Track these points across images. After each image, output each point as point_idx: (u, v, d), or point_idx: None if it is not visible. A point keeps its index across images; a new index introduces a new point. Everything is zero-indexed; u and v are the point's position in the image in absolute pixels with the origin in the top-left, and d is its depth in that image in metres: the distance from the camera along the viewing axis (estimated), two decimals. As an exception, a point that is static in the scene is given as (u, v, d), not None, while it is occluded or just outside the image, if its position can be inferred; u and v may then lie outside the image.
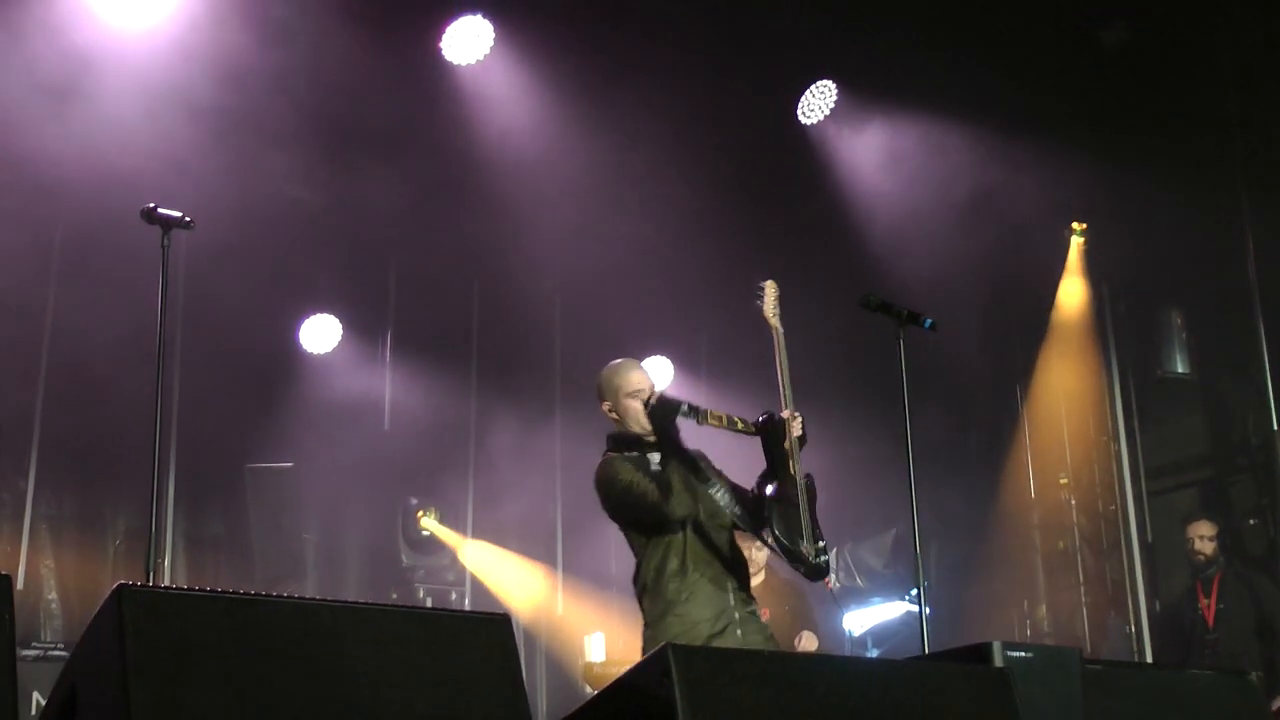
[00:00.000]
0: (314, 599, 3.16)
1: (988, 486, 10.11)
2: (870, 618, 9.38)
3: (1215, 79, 8.75)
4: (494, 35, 8.21)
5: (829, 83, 9.19)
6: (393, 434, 9.86)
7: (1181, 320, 9.25)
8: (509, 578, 9.89)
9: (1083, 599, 9.69)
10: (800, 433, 4.89)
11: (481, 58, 8.29)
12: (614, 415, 5.05)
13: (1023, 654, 3.87)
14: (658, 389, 5.05)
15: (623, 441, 5.02)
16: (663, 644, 4.29)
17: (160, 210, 5.17)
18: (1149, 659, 8.91)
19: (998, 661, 3.78)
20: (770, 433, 4.89)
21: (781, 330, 4.97)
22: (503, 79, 8.35)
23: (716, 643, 4.74)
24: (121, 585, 2.71)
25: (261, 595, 3.05)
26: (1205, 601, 8.16)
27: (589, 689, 8.05)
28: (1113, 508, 9.61)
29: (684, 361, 10.63)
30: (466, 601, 9.79)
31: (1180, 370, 9.25)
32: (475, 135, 8.60)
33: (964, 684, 3.54)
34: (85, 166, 7.59)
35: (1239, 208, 8.71)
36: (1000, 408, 10.30)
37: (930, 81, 8.70)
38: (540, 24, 8.21)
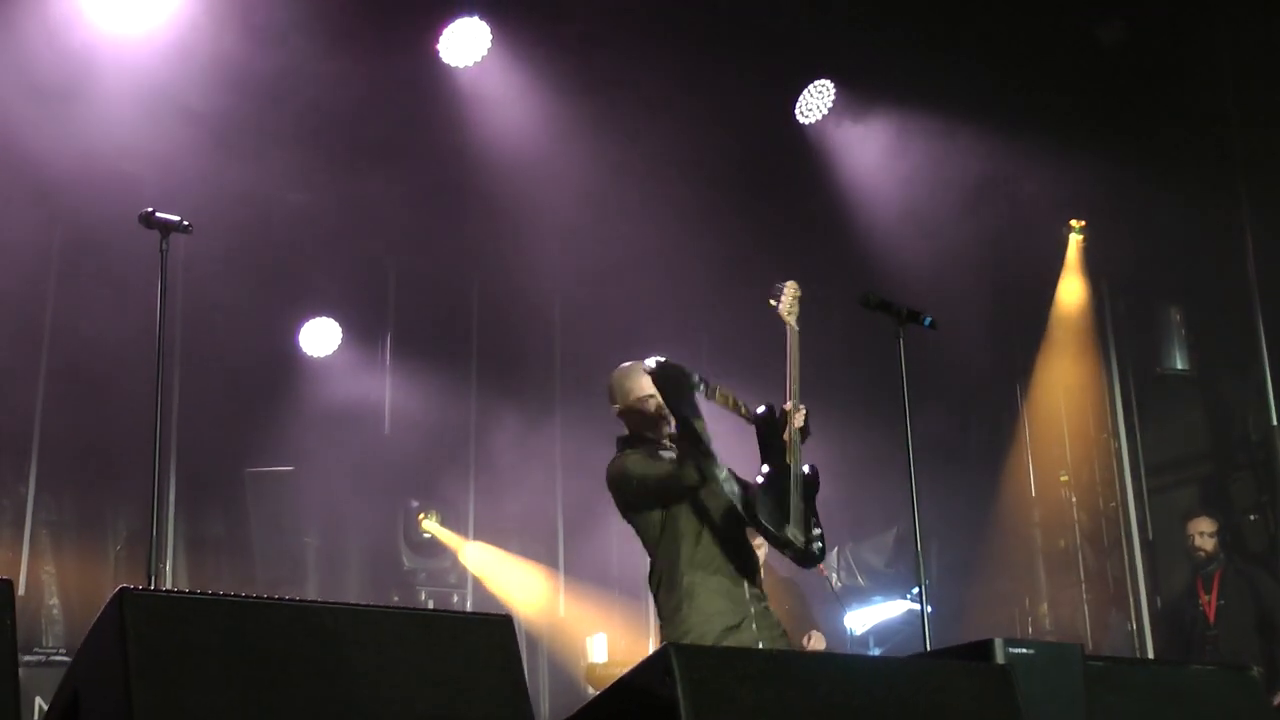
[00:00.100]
0: (315, 601, 3.16)
1: (988, 484, 10.11)
2: (872, 616, 9.39)
3: (1214, 76, 8.75)
4: (491, 37, 8.21)
5: (827, 82, 9.19)
6: (393, 436, 9.86)
7: (1181, 317, 9.26)
8: (511, 579, 9.88)
9: (1084, 596, 9.70)
10: (802, 425, 4.91)
11: (479, 60, 8.29)
12: (625, 419, 5.06)
13: (1024, 651, 3.87)
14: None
15: (634, 444, 5.03)
16: (665, 643, 4.31)
17: (158, 214, 5.17)
18: (1150, 655, 8.92)
19: (1000, 658, 3.78)
20: (768, 424, 4.90)
21: (797, 330, 4.98)
22: (500, 80, 8.35)
23: (733, 636, 4.76)
24: (123, 589, 2.72)
25: (263, 598, 3.06)
26: (1206, 598, 8.16)
27: (591, 690, 8.05)
28: (1113, 505, 9.61)
29: (684, 361, 10.61)
30: (468, 603, 9.79)
31: (1180, 367, 9.26)
32: (473, 137, 8.59)
33: (966, 681, 3.54)
34: (84, 170, 7.59)
35: (1238, 205, 8.71)
36: (1000, 406, 10.31)
37: (929, 80, 8.70)
38: (537, 25, 8.20)
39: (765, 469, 4.83)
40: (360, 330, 9.94)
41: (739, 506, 4.78)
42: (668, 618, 4.86)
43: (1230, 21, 8.51)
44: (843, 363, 9.22)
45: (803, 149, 9.35)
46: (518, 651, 3.21)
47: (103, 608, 2.76)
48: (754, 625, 4.84)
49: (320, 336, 9.75)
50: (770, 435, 4.90)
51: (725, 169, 9.04)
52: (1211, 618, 8.11)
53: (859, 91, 9.16)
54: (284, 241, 8.75)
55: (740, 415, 4.93)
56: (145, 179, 7.60)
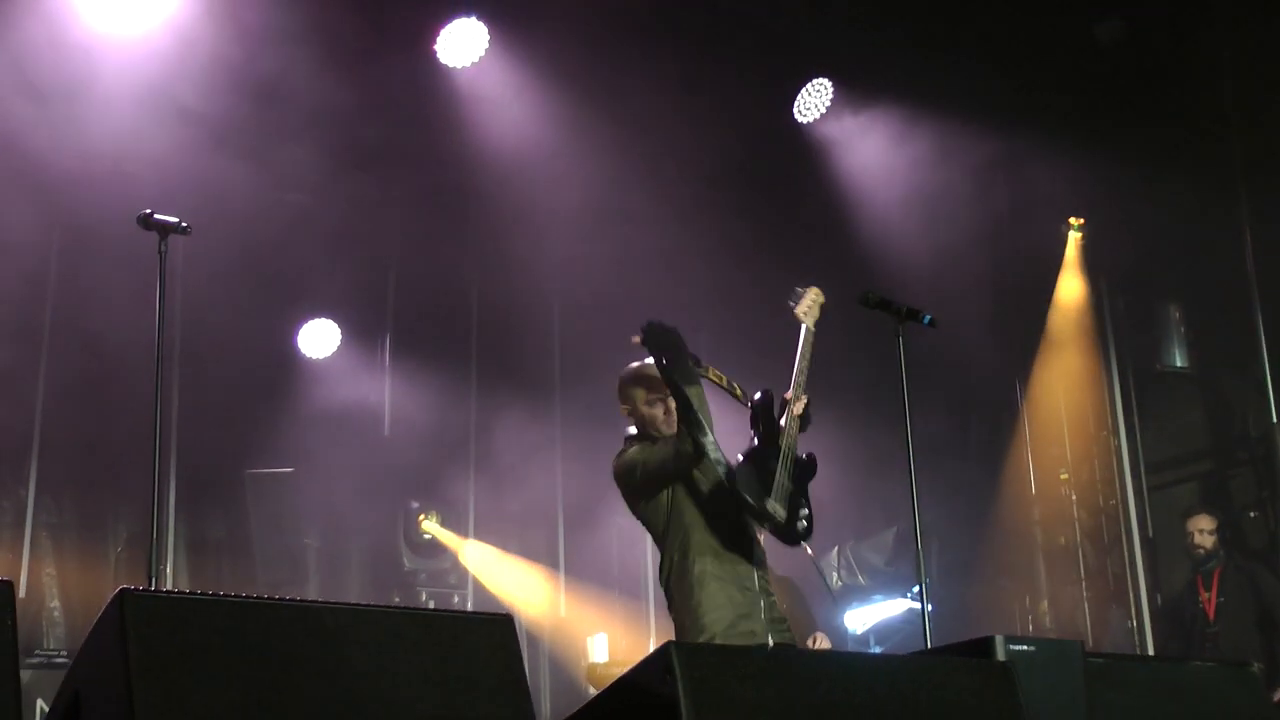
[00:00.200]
0: (316, 601, 3.16)
1: (988, 482, 10.11)
2: (872, 615, 9.39)
3: (1213, 73, 8.76)
4: (488, 38, 8.21)
5: (825, 80, 9.19)
6: (393, 437, 9.86)
7: (1180, 315, 9.26)
8: (511, 580, 9.88)
9: (1084, 594, 9.70)
10: (802, 413, 4.93)
11: (476, 60, 8.29)
12: (633, 419, 5.08)
13: (1025, 648, 3.88)
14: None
15: (640, 441, 5.05)
16: (677, 633, 4.34)
17: (157, 215, 5.16)
18: (1150, 653, 8.92)
19: (1000, 655, 3.79)
20: (764, 407, 4.93)
21: (813, 330, 5.01)
22: (498, 80, 8.35)
23: (745, 624, 4.78)
24: (124, 590, 2.72)
25: (263, 598, 3.06)
26: (1206, 595, 8.16)
27: (592, 690, 8.05)
28: (1113, 502, 9.62)
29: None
30: (469, 604, 9.78)
31: (1179, 365, 9.26)
32: (472, 137, 8.59)
33: (967, 678, 3.54)
34: (84, 171, 7.59)
35: (1237, 202, 8.72)
36: (1000, 404, 10.31)
37: (927, 79, 8.70)
38: (534, 26, 8.21)
39: (753, 444, 4.86)
40: (360, 331, 9.94)
41: (722, 475, 4.81)
42: (681, 606, 4.86)
43: (1230, 21, 8.52)
44: (842, 361, 9.20)
45: (802, 148, 9.36)
46: (519, 650, 3.22)
47: (103, 609, 2.77)
48: (763, 615, 4.86)
49: (319, 338, 9.75)
50: (765, 417, 4.93)
51: (724, 168, 9.04)
52: (1211, 615, 8.12)
53: (858, 90, 9.17)
54: (283, 242, 8.74)
55: (734, 396, 4.95)
56: (144, 180, 7.60)
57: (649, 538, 5.15)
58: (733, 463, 4.86)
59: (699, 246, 9.02)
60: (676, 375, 4.71)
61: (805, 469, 4.95)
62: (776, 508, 4.78)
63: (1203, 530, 8.25)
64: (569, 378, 10.36)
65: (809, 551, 5.02)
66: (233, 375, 8.86)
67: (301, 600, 3.10)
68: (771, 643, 4.82)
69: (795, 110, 9.27)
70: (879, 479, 9.01)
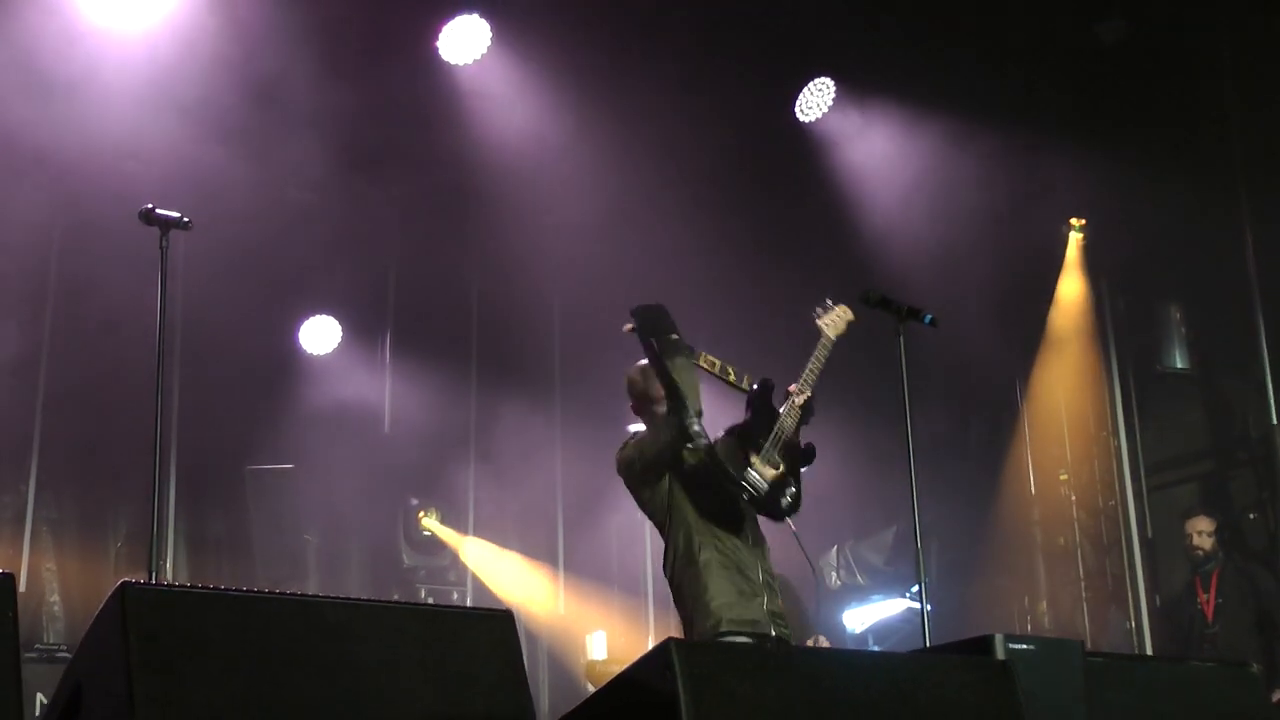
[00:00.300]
0: (317, 595, 3.17)
1: (988, 483, 10.11)
2: (871, 615, 9.39)
3: (1214, 74, 8.76)
4: (490, 35, 8.21)
5: (827, 80, 9.19)
6: (393, 435, 9.86)
7: (1181, 315, 9.25)
8: (510, 577, 9.89)
9: (1083, 594, 9.70)
10: (804, 405, 4.97)
11: (479, 57, 8.29)
12: (641, 416, 5.12)
13: (1025, 646, 3.88)
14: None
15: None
16: (666, 638, 4.32)
17: (158, 211, 5.16)
18: (1149, 654, 8.91)
19: (1000, 654, 3.79)
20: (762, 394, 4.97)
21: (833, 339, 5.12)
22: (500, 78, 8.35)
23: (747, 610, 4.82)
24: (125, 582, 2.72)
25: (265, 592, 3.06)
26: (1204, 596, 8.16)
27: (590, 687, 8.04)
28: (1113, 503, 9.61)
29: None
30: (468, 601, 9.78)
31: (1180, 365, 9.25)
32: (473, 135, 8.60)
33: (967, 676, 3.54)
34: (85, 166, 7.59)
35: (1238, 203, 8.71)
36: (1001, 404, 10.30)
37: (928, 78, 8.70)
38: (536, 23, 8.21)
39: (742, 422, 4.91)
40: (360, 328, 9.95)
41: (704, 450, 4.86)
42: (686, 593, 4.90)
43: (1231, 20, 8.52)
44: (843, 360, 9.19)
45: (803, 147, 9.36)
46: (519, 646, 3.22)
47: (104, 602, 2.77)
48: (764, 606, 4.90)
49: (320, 335, 9.76)
50: (760, 400, 4.98)
51: (726, 167, 9.04)
52: (1210, 616, 8.11)
53: (859, 90, 9.17)
54: (284, 239, 8.75)
55: (727, 382, 4.99)
56: (145, 176, 7.61)
57: (648, 536, 5.19)
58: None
59: (700, 246, 9.02)
60: (661, 350, 4.81)
61: (800, 454, 4.99)
62: (756, 479, 4.82)
63: (1201, 532, 8.26)
64: (569, 375, 10.36)
65: (792, 527, 5.03)
66: (233, 372, 8.87)
67: (302, 595, 3.11)
68: (773, 633, 4.85)
69: (797, 109, 9.27)
70: (879, 478, 9.01)
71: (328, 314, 9.75)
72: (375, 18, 7.78)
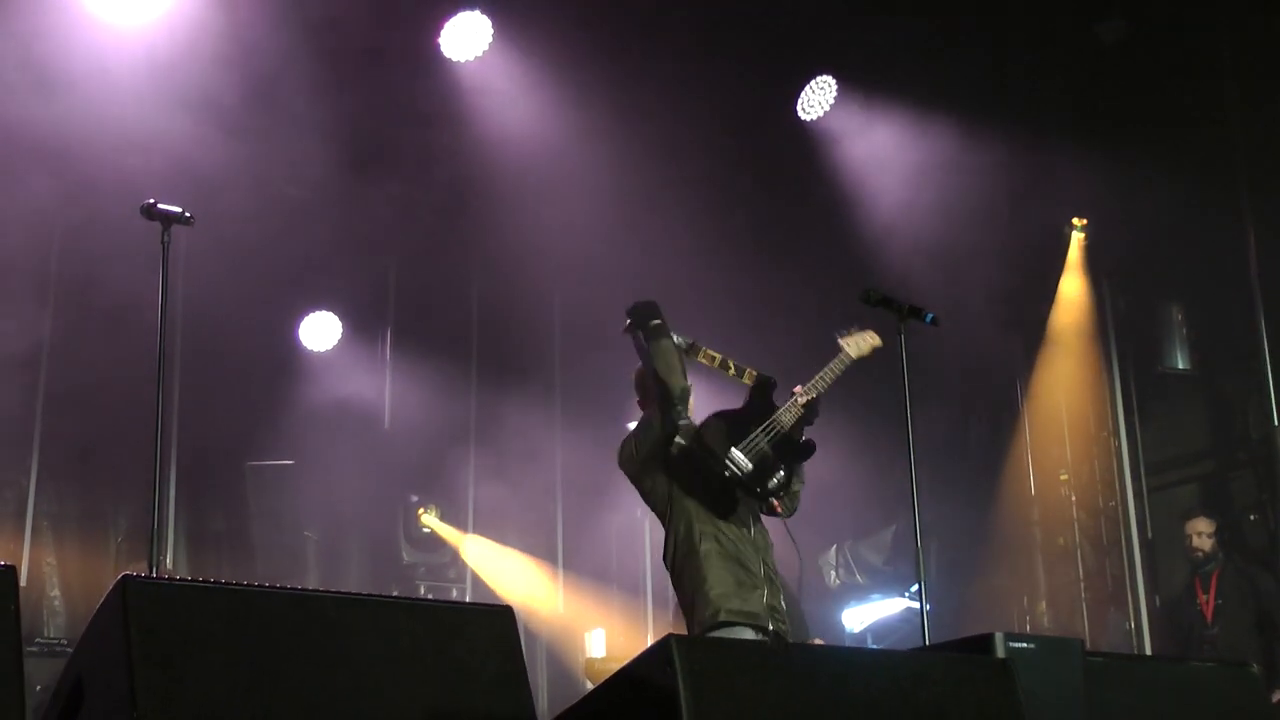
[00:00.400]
0: (317, 590, 3.17)
1: (988, 482, 10.11)
2: (870, 614, 9.40)
3: (1215, 73, 8.75)
4: (492, 32, 8.21)
5: (829, 78, 9.19)
6: (393, 431, 9.86)
7: (1182, 316, 9.25)
8: (510, 574, 9.89)
9: (1083, 594, 9.69)
10: (807, 404, 5.00)
11: (480, 54, 8.29)
12: (649, 412, 5.16)
13: (1025, 645, 3.88)
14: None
15: None
16: (666, 634, 4.32)
17: (160, 206, 5.16)
18: (1148, 654, 8.91)
19: (1000, 652, 3.79)
20: (762, 385, 5.02)
21: (852, 356, 5.15)
22: (502, 75, 8.35)
23: (746, 602, 4.85)
24: (126, 576, 2.72)
25: (265, 586, 3.06)
26: (1204, 597, 8.15)
27: (589, 685, 8.05)
28: (1113, 503, 9.61)
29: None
30: (467, 598, 9.79)
31: (1181, 366, 9.25)
32: (474, 132, 8.60)
33: (967, 674, 3.54)
34: (86, 162, 7.59)
35: (1239, 202, 8.71)
36: (1001, 404, 10.30)
37: (930, 77, 8.70)
38: (538, 20, 8.20)
39: (737, 409, 4.96)
40: (361, 325, 9.95)
41: (684, 430, 4.93)
42: (686, 581, 4.93)
43: (1231, 20, 8.52)
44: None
45: (805, 146, 9.35)
46: (518, 642, 3.22)
47: (104, 596, 2.77)
48: (764, 599, 4.93)
49: (321, 331, 9.76)
50: (759, 392, 5.02)
51: (726, 165, 9.04)
52: (1209, 617, 8.11)
53: (861, 89, 9.16)
54: (285, 236, 8.75)
55: (728, 375, 5.01)
56: (147, 171, 7.60)
57: (647, 535, 5.21)
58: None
59: (700, 245, 9.01)
60: (647, 336, 4.95)
61: (798, 448, 5.02)
62: (740, 459, 4.84)
63: (1201, 533, 8.25)
64: (568, 373, 10.36)
65: (778, 510, 5.05)
66: (234, 367, 8.87)
67: (302, 589, 3.11)
68: (771, 627, 4.86)
69: (799, 108, 9.26)
70: (878, 478, 9.01)
71: (328, 310, 9.76)
72: (377, 14, 7.77)
